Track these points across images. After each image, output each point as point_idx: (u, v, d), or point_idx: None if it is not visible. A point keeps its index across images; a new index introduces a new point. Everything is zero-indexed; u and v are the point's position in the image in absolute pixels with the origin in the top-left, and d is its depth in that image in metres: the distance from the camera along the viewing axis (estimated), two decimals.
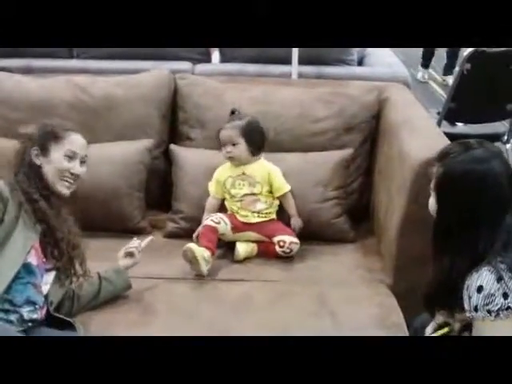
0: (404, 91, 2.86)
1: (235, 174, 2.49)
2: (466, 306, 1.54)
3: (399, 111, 2.62)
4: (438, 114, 3.74)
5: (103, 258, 2.17)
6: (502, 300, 1.48)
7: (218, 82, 2.86)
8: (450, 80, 5.44)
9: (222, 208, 2.53)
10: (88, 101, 2.72)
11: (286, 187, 2.49)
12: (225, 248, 2.45)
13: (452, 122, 3.80)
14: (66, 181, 1.97)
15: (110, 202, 2.55)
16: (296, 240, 2.42)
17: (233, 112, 2.57)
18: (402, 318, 2.06)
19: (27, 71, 2.97)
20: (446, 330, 1.79)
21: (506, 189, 1.57)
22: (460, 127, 3.82)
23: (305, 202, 2.52)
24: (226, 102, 2.71)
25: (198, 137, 2.76)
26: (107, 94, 2.74)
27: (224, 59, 3.31)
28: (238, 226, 2.45)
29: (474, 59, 3.42)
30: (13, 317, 1.81)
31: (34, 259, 1.88)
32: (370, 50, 3.55)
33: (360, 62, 3.45)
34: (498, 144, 3.63)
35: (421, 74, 6.31)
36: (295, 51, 3.02)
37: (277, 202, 2.51)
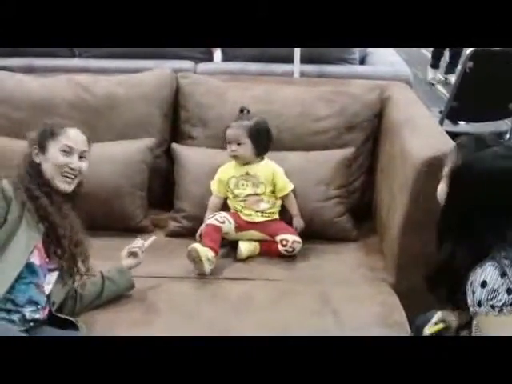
0: (406, 90, 2.86)
1: (239, 173, 2.49)
2: (470, 302, 1.54)
3: (401, 110, 2.62)
4: (440, 112, 3.74)
5: (105, 257, 2.18)
6: (505, 296, 1.48)
7: (219, 80, 2.86)
8: (453, 79, 5.45)
9: (224, 206, 2.53)
10: (90, 100, 2.73)
11: (289, 187, 2.49)
12: (227, 247, 2.45)
13: (454, 121, 3.80)
14: (66, 176, 1.97)
15: (112, 201, 2.55)
16: (298, 239, 2.42)
17: (242, 110, 2.56)
18: (404, 316, 2.07)
19: (29, 70, 2.97)
20: (441, 326, 1.80)
21: None
22: (462, 126, 3.82)
23: (307, 201, 2.52)
24: (228, 101, 2.71)
25: (200, 136, 2.76)
26: (109, 93, 2.74)
27: (226, 58, 3.31)
28: (242, 225, 2.45)
29: (477, 58, 3.42)
30: (15, 316, 1.81)
31: (36, 259, 1.88)
32: (372, 49, 3.55)
33: (362, 61, 3.45)
34: None
35: (431, 75, 6.15)
36: (297, 50, 3.02)
37: (279, 202, 2.52)
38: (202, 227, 2.42)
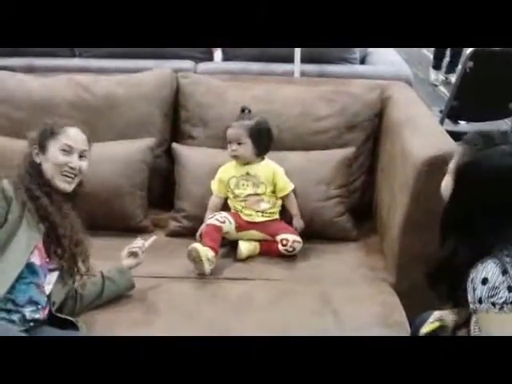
0: (406, 89, 2.86)
1: (239, 173, 2.48)
2: (470, 298, 1.54)
3: (402, 109, 2.62)
4: (441, 112, 3.74)
5: (105, 257, 2.17)
6: (506, 293, 1.48)
7: (220, 80, 2.86)
8: (453, 78, 5.45)
9: (224, 206, 2.53)
10: (90, 100, 2.73)
11: (290, 187, 2.49)
12: (227, 247, 2.45)
13: (454, 120, 3.80)
14: (66, 176, 1.97)
15: (112, 200, 2.55)
16: (299, 239, 2.42)
17: (243, 110, 2.56)
18: (404, 316, 2.06)
19: (29, 70, 2.97)
20: (436, 324, 1.80)
21: None
22: (463, 125, 3.81)
23: (307, 201, 2.52)
24: (229, 101, 2.71)
25: (200, 135, 2.76)
26: (109, 93, 2.74)
27: (226, 58, 3.31)
28: (242, 225, 2.45)
29: (477, 57, 3.42)
30: (15, 316, 1.81)
31: (37, 259, 1.88)
32: (372, 49, 3.54)
33: (362, 61, 3.44)
34: None
35: (434, 76, 6.14)
36: (297, 50, 3.02)
37: (280, 202, 2.52)
38: (203, 227, 2.42)
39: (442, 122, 3.59)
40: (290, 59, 3.04)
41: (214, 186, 2.52)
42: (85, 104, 2.71)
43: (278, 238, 2.41)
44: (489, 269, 1.50)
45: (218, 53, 3.41)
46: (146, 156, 2.65)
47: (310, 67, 3.10)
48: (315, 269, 2.37)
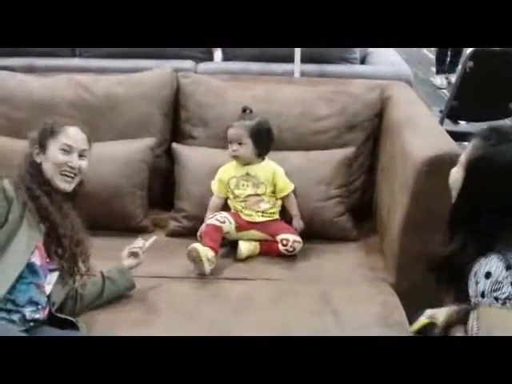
0: (406, 89, 2.86)
1: (239, 174, 2.48)
2: (472, 292, 1.54)
3: (402, 109, 2.62)
4: (441, 112, 3.74)
5: (105, 257, 2.17)
6: (509, 289, 1.47)
7: (220, 80, 2.86)
8: (453, 78, 5.45)
9: (224, 207, 2.53)
10: (90, 99, 2.73)
11: (290, 188, 2.49)
12: (227, 247, 2.45)
13: (455, 120, 3.80)
14: (66, 175, 1.97)
15: (112, 200, 2.55)
16: (299, 239, 2.41)
17: (244, 110, 2.56)
18: (404, 316, 2.06)
19: (30, 70, 2.97)
20: (425, 321, 1.80)
21: None
22: (463, 125, 3.82)
23: (307, 201, 2.52)
24: (229, 101, 2.71)
25: (200, 135, 2.76)
26: (109, 93, 2.74)
27: (226, 58, 3.31)
28: (243, 225, 2.45)
29: (477, 57, 3.42)
30: (15, 316, 1.81)
31: (37, 259, 1.88)
32: (372, 49, 3.54)
33: (362, 61, 3.44)
34: None
35: (439, 81, 6.18)
36: (297, 50, 3.02)
37: (280, 202, 2.51)
38: (203, 227, 2.42)
39: (441, 122, 3.59)
40: (290, 59, 3.04)
41: (214, 186, 2.52)
42: (85, 104, 2.71)
43: (279, 237, 2.41)
44: (492, 263, 1.50)
45: (218, 53, 3.41)
46: (146, 156, 2.65)
47: (310, 67, 3.10)
48: (315, 269, 2.37)
